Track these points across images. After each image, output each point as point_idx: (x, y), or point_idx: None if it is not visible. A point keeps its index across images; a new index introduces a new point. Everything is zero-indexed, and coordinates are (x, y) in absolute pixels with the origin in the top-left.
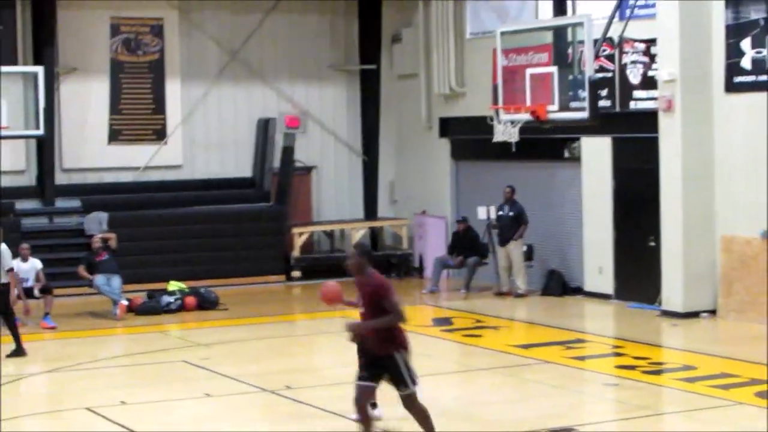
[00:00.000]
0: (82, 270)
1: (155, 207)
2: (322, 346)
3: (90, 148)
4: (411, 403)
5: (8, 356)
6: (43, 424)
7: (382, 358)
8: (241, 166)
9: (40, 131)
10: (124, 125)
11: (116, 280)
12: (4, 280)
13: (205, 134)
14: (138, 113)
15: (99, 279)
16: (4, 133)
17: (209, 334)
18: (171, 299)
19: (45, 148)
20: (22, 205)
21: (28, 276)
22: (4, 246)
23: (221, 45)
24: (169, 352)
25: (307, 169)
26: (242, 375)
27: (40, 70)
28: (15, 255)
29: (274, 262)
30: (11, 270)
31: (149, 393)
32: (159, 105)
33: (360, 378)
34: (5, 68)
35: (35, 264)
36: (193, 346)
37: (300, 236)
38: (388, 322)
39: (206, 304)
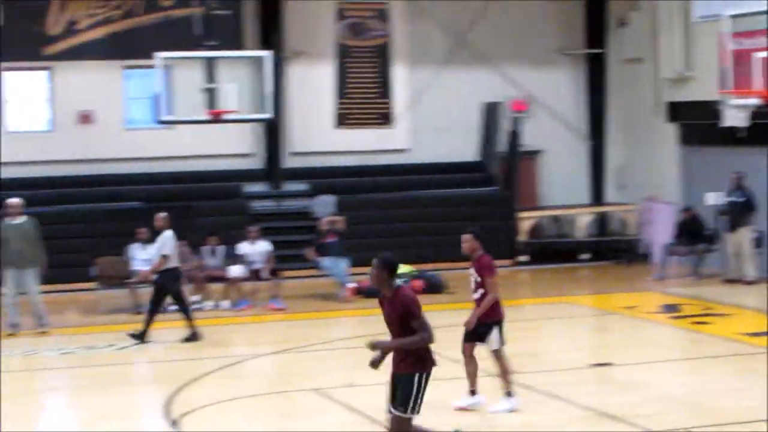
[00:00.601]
0: (310, 252)
1: (382, 191)
2: (548, 331)
3: (317, 132)
4: (398, 427)
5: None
6: (271, 405)
7: (400, 376)
8: (468, 151)
9: (268, 115)
10: (350, 109)
11: (343, 263)
12: (171, 265)
13: (432, 119)
14: (364, 97)
15: (326, 261)
16: (232, 116)
17: (435, 317)
18: (398, 282)
19: (273, 132)
20: (250, 188)
21: (256, 258)
22: (169, 232)
23: (447, 29)
24: None
25: (534, 154)
26: None
27: (267, 54)
28: (244, 238)
29: (500, 247)
30: (166, 256)
31: (377, 375)
32: (385, 89)
33: (390, 407)
34: (233, 53)
35: (264, 246)
36: None
37: (526, 221)
38: (416, 342)
39: (433, 287)
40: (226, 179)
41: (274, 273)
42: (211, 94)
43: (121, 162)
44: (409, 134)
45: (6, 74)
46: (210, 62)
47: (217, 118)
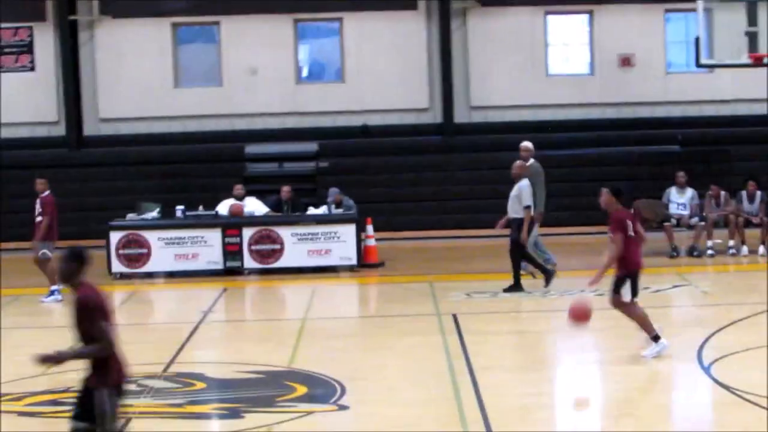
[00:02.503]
0: None
1: None
2: None
3: None
4: None
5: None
6: None
7: (90, 390)
8: None
9: None
10: None
11: None
12: (518, 216)
13: None
14: None
15: None
16: None
17: None
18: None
19: None
20: None
21: None
22: (525, 181)
23: None
24: None
25: None
26: None
27: None
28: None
29: None
30: (528, 207)
31: None
32: None
33: (73, 416)
34: None
35: None
36: None
37: None
38: (93, 352)
39: None
40: (765, 123)
41: None
42: (752, 38)
43: (659, 105)
44: None
45: (550, 18)
46: (752, 5)
47: (758, 62)
